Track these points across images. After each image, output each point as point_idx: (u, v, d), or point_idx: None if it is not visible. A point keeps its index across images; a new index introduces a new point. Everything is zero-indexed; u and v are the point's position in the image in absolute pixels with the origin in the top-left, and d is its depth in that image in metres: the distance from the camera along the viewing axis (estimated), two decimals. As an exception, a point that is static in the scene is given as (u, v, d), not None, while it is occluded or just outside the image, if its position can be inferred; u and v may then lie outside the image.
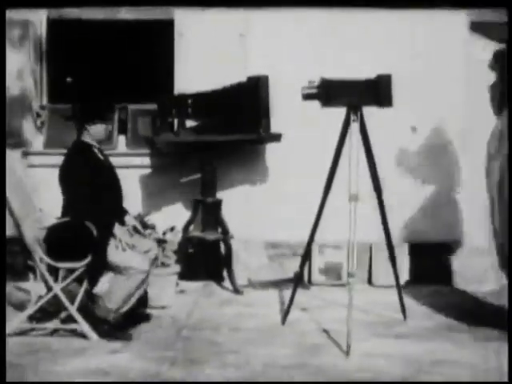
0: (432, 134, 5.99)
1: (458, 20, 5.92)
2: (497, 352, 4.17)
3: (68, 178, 4.54)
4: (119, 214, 4.68)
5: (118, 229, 4.54)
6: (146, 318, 4.80)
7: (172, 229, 5.58)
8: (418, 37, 5.97)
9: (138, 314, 4.69)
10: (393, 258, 4.84)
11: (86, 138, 4.62)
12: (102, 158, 4.69)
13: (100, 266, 4.45)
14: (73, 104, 4.75)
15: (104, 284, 4.48)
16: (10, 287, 5.24)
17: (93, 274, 4.48)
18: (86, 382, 3.78)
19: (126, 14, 6.09)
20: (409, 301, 5.01)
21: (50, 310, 4.63)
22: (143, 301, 4.71)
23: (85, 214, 4.42)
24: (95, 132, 4.62)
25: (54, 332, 4.55)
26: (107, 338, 4.41)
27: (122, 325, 4.49)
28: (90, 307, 4.56)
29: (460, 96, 5.94)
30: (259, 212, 5.98)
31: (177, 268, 5.38)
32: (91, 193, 4.45)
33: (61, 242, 4.46)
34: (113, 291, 4.46)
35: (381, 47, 5.92)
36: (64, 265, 4.49)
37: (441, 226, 5.93)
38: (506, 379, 3.75)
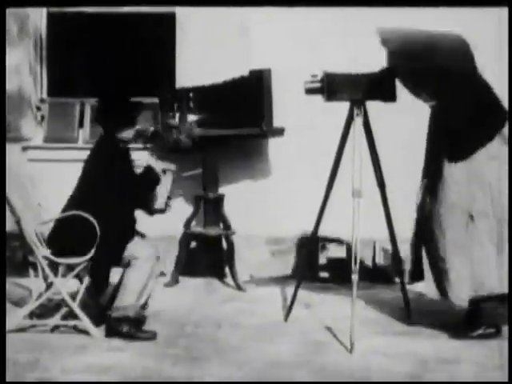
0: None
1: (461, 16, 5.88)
2: (500, 349, 4.14)
3: (95, 170, 4.48)
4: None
5: None
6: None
7: None
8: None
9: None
10: (397, 255, 4.80)
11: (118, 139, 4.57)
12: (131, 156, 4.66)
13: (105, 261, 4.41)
14: (100, 110, 4.66)
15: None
16: (9, 283, 5.21)
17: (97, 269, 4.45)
18: (86, 382, 3.75)
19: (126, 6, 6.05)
20: (413, 298, 4.97)
21: (50, 306, 4.62)
22: None
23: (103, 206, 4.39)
24: (126, 134, 4.58)
25: (55, 328, 4.52)
26: (133, 338, 4.30)
27: (144, 319, 4.39)
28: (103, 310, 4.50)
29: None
30: (262, 207, 5.95)
31: None
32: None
33: (63, 237, 4.43)
34: (127, 285, 4.38)
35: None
36: (65, 260, 4.46)
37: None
38: (507, 377, 3.73)
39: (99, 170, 4.44)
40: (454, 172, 4.40)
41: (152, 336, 4.35)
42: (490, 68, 5.84)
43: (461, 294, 4.37)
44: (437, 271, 4.44)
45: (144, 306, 4.46)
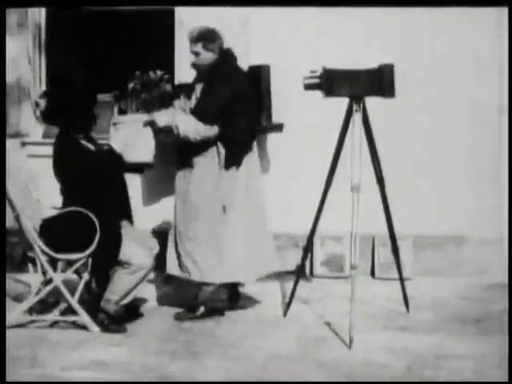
0: (436, 125, 5.95)
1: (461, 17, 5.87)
2: (500, 345, 4.14)
3: (63, 174, 4.52)
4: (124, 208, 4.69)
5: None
6: (139, 314, 4.77)
7: None
8: (420, 33, 5.92)
9: (132, 308, 4.66)
10: (396, 250, 4.81)
11: (70, 132, 4.58)
12: (92, 147, 4.64)
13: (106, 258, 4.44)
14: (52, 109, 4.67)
15: None
16: (8, 279, 5.21)
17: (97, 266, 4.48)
18: (86, 382, 3.75)
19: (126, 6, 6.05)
20: (412, 293, 4.97)
21: (49, 302, 4.62)
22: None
23: (86, 205, 4.41)
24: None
25: (54, 324, 4.52)
26: (102, 328, 4.41)
27: (121, 317, 4.46)
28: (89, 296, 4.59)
29: (465, 90, 5.91)
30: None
31: None
32: (89, 185, 4.43)
33: (60, 233, 4.44)
34: (114, 283, 4.44)
35: (383, 41, 5.87)
36: (64, 256, 4.46)
37: (445, 217, 5.90)
38: (507, 377, 3.72)
39: (67, 171, 4.50)
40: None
41: (122, 330, 4.42)
42: (490, 68, 5.87)
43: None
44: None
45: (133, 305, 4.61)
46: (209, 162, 4.69)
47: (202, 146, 4.66)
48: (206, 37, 4.77)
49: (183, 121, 4.63)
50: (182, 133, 4.61)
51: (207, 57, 4.77)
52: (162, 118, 4.67)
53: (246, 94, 4.80)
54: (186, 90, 4.97)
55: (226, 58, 4.84)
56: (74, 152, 4.52)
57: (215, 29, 4.84)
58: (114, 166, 4.64)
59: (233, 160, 4.67)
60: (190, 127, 4.61)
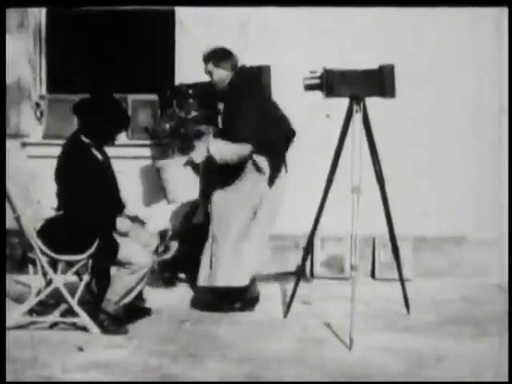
0: (436, 125, 5.95)
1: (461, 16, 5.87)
2: (499, 346, 4.15)
3: (66, 177, 4.51)
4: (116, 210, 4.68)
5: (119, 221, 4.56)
6: (147, 312, 4.77)
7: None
8: (420, 33, 5.93)
9: (136, 307, 4.65)
10: (396, 251, 4.81)
11: (84, 137, 4.57)
12: (100, 157, 4.62)
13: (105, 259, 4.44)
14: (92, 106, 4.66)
15: None
16: (9, 280, 5.21)
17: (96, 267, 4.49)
18: (86, 382, 3.75)
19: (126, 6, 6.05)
20: (412, 295, 4.97)
21: (49, 303, 4.62)
22: (139, 294, 4.67)
23: (84, 210, 4.41)
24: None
25: (54, 325, 4.52)
26: (103, 329, 4.41)
27: (122, 318, 4.47)
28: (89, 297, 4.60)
29: (465, 90, 5.91)
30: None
31: None
32: (89, 193, 4.43)
33: (59, 234, 4.44)
34: (114, 283, 4.44)
35: (383, 41, 5.87)
36: (65, 257, 4.46)
37: (445, 218, 5.91)
38: (507, 377, 3.72)
39: (73, 173, 4.49)
40: None
41: (123, 331, 4.42)
42: (489, 68, 5.87)
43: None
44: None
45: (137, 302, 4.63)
46: (247, 174, 4.83)
47: (240, 164, 4.78)
48: (217, 54, 4.87)
49: (217, 148, 4.73)
50: (219, 160, 4.72)
51: (219, 75, 4.87)
52: (197, 153, 4.79)
53: (271, 105, 4.95)
54: (202, 95, 5.06)
55: (242, 74, 4.92)
56: (81, 157, 4.51)
57: (227, 48, 4.93)
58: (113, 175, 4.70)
59: (277, 167, 4.92)
60: (225, 152, 4.71)
